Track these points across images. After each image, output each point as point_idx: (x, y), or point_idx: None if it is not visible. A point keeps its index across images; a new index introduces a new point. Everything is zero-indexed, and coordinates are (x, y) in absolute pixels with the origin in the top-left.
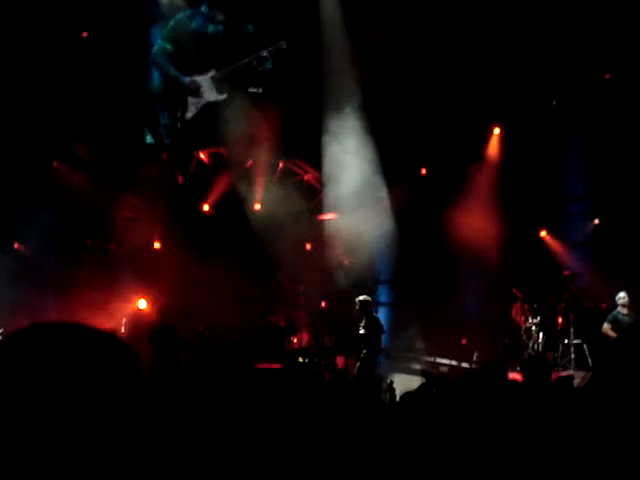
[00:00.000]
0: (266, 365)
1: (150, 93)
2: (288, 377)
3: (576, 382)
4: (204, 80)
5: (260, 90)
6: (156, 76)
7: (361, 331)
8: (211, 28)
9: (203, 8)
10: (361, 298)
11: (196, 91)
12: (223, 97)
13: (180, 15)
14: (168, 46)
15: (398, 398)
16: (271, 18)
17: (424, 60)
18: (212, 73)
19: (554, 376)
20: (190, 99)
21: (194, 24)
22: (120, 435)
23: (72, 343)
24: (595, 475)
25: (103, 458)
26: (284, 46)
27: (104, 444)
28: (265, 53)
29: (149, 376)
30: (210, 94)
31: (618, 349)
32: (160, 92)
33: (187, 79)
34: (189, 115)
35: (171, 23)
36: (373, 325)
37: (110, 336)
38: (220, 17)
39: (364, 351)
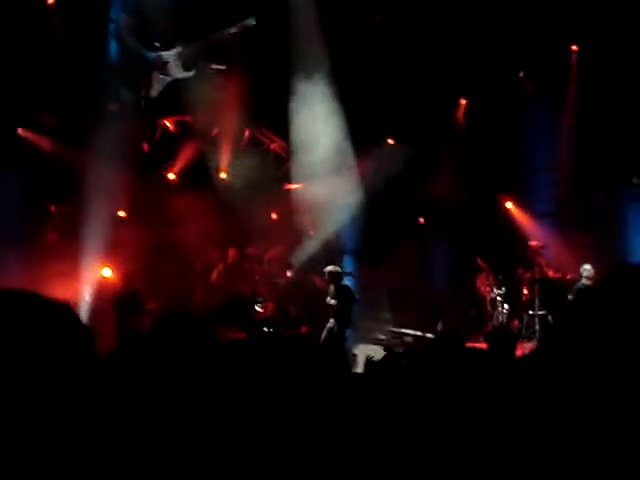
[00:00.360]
0: (231, 334)
1: (108, 67)
2: (253, 347)
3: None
4: (170, 56)
5: (224, 67)
6: (114, 49)
7: (331, 302)
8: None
9: None
10: (330, 269)
11: (162, 67)
12: (190, 74)
13: None
14: (131, 18)
15: (361, 369)
16: None
17: (393, 30)
18: (178, 49)
19: (518, 347)
20: (154, 76)
21: None
22: (71, 408)
23: (23, 311)
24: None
25: (53, 433)
26: (253, 22)
27: (53, 416)
28: (234, 30)
29: (117, 351)
30: (176, 71)
31: (567, 316)
32: (119, 67)
33: (152, 54)
34: (154, 93)
35: None
36: (343, 295)
37: (64, 307)
38: None
39: (331, 321)
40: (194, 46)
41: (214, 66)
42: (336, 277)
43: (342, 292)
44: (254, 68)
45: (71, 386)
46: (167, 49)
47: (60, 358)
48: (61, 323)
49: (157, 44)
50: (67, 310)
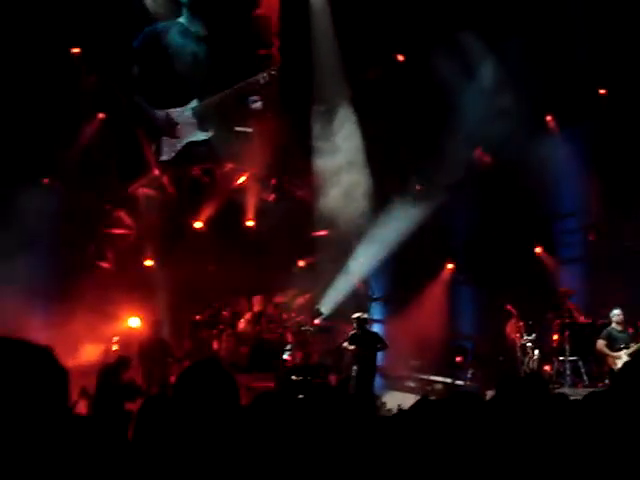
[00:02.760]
0: (259, 384)
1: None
2: (282, 398)
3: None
4: (182, 114)
5: (250, 130)
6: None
7: (349, 347)
8: (191, 46)
9: (182, 18)
10: (356, 315)
11: (171, 130)
12: (207, 136)
13: (151, 28)
14: (135, 69)
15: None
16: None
17: (415, 70)
18: (193, 104)
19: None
20: (165, 139)
21: (170, 40)
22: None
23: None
24: None
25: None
26: (273, 73)
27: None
28: (261, 79)
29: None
30: (189, 131)
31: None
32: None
33: (160, 114)
34: (165, 157)
35: (139, 38)
36: (366, 341)
37: (43, 351)
38: (201, 31)
39: (354, 368)
40: (211, 102)
41: (238, 129)
42: (362, 323)
43: (368, 338)
44: (279, 112)
45: (45, 422)
46: (178, 105)
47: (32, 399)
48: (37, 366)
49: (165, 99)
50: (46, 354)
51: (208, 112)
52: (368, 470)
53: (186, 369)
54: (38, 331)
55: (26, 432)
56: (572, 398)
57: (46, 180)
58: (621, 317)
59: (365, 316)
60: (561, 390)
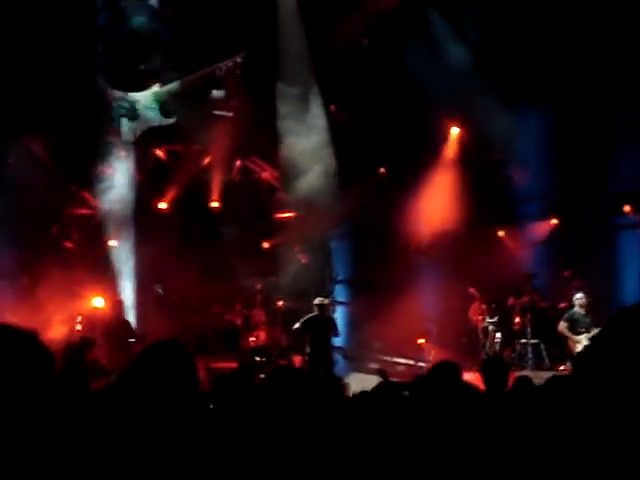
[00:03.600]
0: (222, 364)
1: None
2: (245, 378)
3: (536, 382)
4: (144, 97)
5: (231, 114)
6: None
7: (295, 327)
8: (156, 28)
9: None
10: (317, 300)
11: (131, 112)
12: (169, 121)
13: (117, 7)
14: (98, 48)
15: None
16: (228, 20)
17: (384, 56)
18: (155, 88)
19: (511, 377)
20: (124, 121)
21: (135, 21)
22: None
23: None
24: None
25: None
26: (240, 59)
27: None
28: (223, 65)
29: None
30: (151, 115)
31: (595, 349)
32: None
33: (119, 95)
34: (126, 138)
35: (103, 17)
36: (321, 325)
37: (29, 335)
38: (168, 15)
39: (307, 351)
40: (173, 87)
41: (217, 112)
42: (322, 309)
43: (324, 323)
44: (244, 96)
45: (34, 413)
46: (140, 88)
47: (20, 383)
48: (25, 350)
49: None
50: (32, 339)
51: (170, 98)
52: (331, 450)
53: (145, 349)
54: (2, 311)
55: (16, 418)
56: (535, 381)
57: (10, 159)
58: (584, 300)
59: (326, 302)
60: (523, 373)
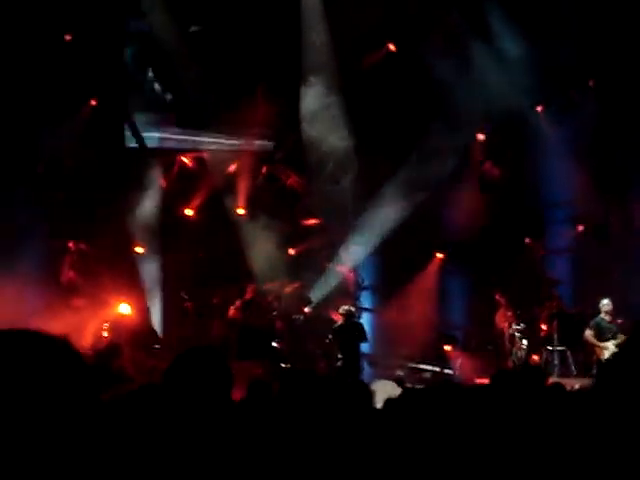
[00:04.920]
0: (247, 371)
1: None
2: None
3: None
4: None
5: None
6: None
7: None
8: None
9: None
10: (344, 308)
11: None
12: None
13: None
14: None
15: (380, 405)
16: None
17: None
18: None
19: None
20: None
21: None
22: (67, 439)
23: (22, 351)
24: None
25: (52, 462)
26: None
27: (51, 448)
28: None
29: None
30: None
31: (620, 358)
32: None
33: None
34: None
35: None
36: (350, 332)
37: (61, 342)
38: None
39: (339, 357)
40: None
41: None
42: (349, 315)
43: (352, 329)
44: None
45: (70, 421)
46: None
47: (58, 394)
48: (59, 359)
49: None
50: (65, 345)
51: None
52: (359, 459)
53: (182, 355)
54: (29, 318)
55: (50, 426)
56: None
57: (38, 167)
58: (610, 307)
59: (352, 309)
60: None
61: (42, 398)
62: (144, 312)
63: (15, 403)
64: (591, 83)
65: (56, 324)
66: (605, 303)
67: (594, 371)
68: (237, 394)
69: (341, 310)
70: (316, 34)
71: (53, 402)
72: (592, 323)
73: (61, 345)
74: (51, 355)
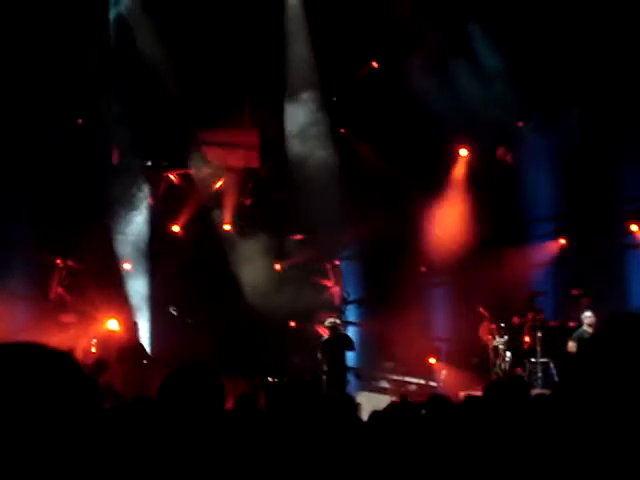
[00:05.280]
0: (235, 385)
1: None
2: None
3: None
4: None
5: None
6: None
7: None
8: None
9: None
10: (329, 321)
11: None
12: None
13: None
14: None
15: (366, 417)
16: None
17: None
18: None
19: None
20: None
21: None
22: (75, 455)
23: (23, 364)
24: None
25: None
26: None
27: (60, 465)
28: None
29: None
30: None
31: (578, 361)
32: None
33: None
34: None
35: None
36: (337, 345)
37: (65, 356)
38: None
39: (324, 369)
40: None
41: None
42: (334, 329)
43: (339, 341)
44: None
45: (74, 435)
46: None
47: (63, 408)
48: (63, 373)
49: None
50: (68, 359)
51: None
52: (345, 470)
53: (175, 371)
54: (19, 332)
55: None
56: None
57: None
58: (592, 319)
59: (338, 322)
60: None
61: (50, 410)
62: (132, 328)
63: (22, 414)
64: (573, 97)
65: (45, 340)
66: (587, 315)
67: None
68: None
69: (327, 323)
70: (300, 50)
71: (61, 414)
72: (575, 335)
73: (66, 359)
74: (58, 368)
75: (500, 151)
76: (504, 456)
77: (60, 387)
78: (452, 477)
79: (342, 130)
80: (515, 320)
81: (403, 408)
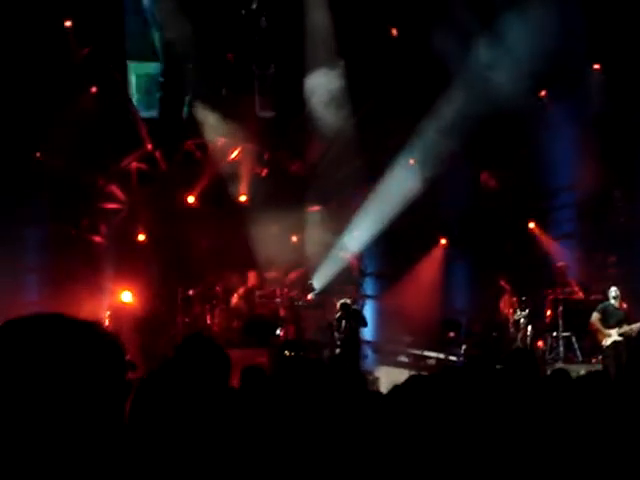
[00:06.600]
0: (251, 358)
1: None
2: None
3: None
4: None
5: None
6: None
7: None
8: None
9: None
10: (341, 301)
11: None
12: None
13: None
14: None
15: (385, 391)
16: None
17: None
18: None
19: (547, 369)
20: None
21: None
22: (109, 424)
23: (54, 335)
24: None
25: (94, 449)
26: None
27: (95, 434)
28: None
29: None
30: None
31: None
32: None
33: None
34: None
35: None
36: (349, 321)
37: (94, 325)
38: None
39: (338, 344)
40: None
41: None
42: (347, 308)
43: (352, 318)
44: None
45: (105, 404)
46: None
47: (94, 376)
48: (93, 341)
49: None
50: (98, 328)
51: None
52: (361, 446)
53: (180, 344)
54: (31, 305)
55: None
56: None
57: (38, 154)
58: (618, 294)
59: (348, 301)
60: (555, 366)
61: (79, 382)
62: (147, 300)
63: (56, 387)
64: (596, 66)
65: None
66: (613, 289)
67: (599, 357)
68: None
69: (338, 305)
70: (319, 15)
71: (90, 386)
72: (600, 307)
73: (93, 329)
74: (89, 339)
75: (484, 176)
76: (518, 433)
77: (87, 360)
78: (467, 451)
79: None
80: (544, 293)
81: (421, 382)
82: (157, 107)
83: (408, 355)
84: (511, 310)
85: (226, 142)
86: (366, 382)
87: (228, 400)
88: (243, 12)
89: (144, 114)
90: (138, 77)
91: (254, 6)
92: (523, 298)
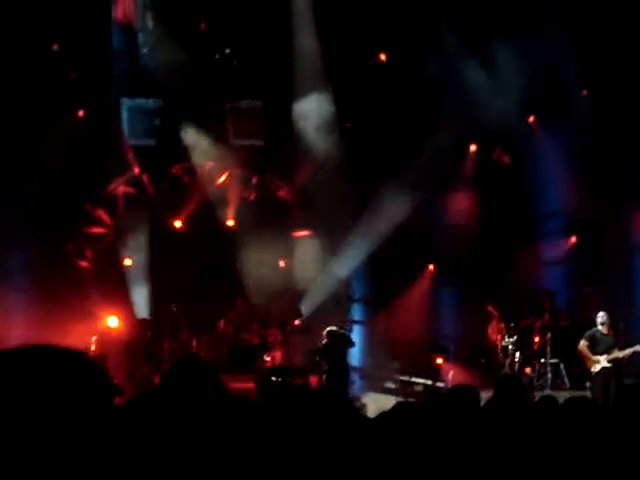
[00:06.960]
0: (238, 384)
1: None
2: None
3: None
4: None
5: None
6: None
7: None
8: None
9: None
10: (328, 329)
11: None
12: None
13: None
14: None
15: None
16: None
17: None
18: None
19: (535, 396)
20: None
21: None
22: (95, 452)
23: (41, 366)
24: None
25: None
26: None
27: (80, 462)
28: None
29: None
30: None
31: None
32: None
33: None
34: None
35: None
36: (337, 347)
37: (80, 355)
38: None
39: (325, 369)
40: None
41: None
42: (333, 336)
43: (339, 343)
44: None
45: (91, 434)
46: None
47: (84, 403)
48: (80, 372)
49: None
50: (84, 358)
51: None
52: (347, 474)
53: (171, 367)
54: (16, 329)
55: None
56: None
57: (24, 178)
58: (606, 319)
59: (334, 329)
60: (543, 393)
61: (66, 411)
62: (133, 325)
63: (41, 417)
64: (585, 92)
65: (42, 337)
66: (601, 315)
67: (587, 384)
68: None
69: (324, 332)
70: (307, 41)
71: (77, 415)
72: (587, 334)
73: (80, 359)
74: (73, 369)
75: (498, 152)
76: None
77: (76, 389)
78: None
79: (348, 125)
80: (531, 319)
81: (408, 409)
82: (150, 134)
83: (395, 381)
84: (499, 336)
85: (214, 166)
86: (355, 410)
87: (216, 425)
88: (217, 56)
89: (137, 142)
90: (129, 109)
91: (227, 51)
92: (511, 324)
